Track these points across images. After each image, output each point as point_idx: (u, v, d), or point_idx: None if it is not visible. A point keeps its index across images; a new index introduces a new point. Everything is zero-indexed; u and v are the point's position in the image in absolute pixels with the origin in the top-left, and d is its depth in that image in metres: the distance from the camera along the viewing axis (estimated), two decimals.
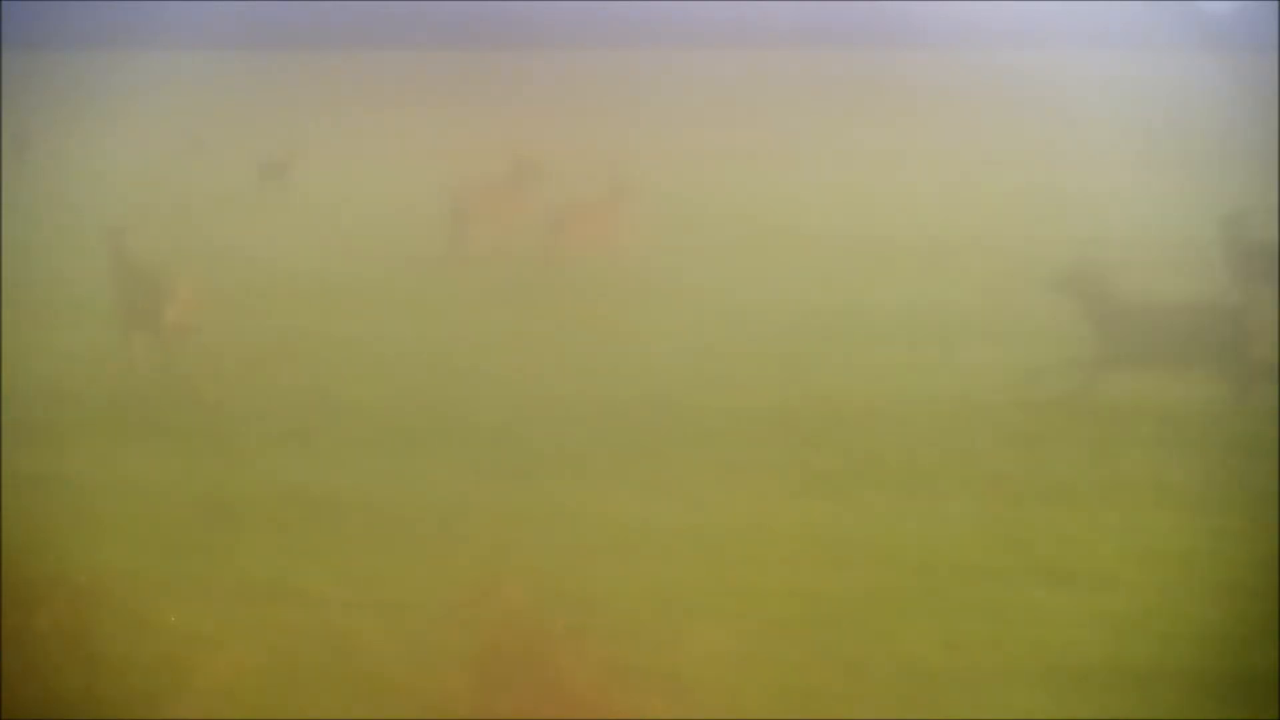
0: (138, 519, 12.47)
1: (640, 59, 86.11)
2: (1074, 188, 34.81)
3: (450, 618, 10.33)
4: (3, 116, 43.00)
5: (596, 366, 17.31)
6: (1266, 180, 34.08)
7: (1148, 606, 10.72)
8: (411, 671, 9.66)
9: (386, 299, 21.46)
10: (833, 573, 11.29)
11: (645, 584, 11.04)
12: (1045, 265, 23.22)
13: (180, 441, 14.59)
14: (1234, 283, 19.21)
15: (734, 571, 11.29)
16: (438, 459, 13.96)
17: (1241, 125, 48.54)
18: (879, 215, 30.96)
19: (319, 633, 10.27)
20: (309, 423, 15.18)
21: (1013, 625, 10.43)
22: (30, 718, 9.01)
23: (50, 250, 25.87)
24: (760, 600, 10.79)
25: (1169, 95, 60.75)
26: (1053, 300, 16.55)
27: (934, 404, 15.81)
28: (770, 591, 10.94)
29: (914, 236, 27.81)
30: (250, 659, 9.84)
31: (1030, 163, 40.84)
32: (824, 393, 16.24)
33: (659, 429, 14.89)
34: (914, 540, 11.93)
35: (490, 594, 10.40)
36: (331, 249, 25.93)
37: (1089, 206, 31.85)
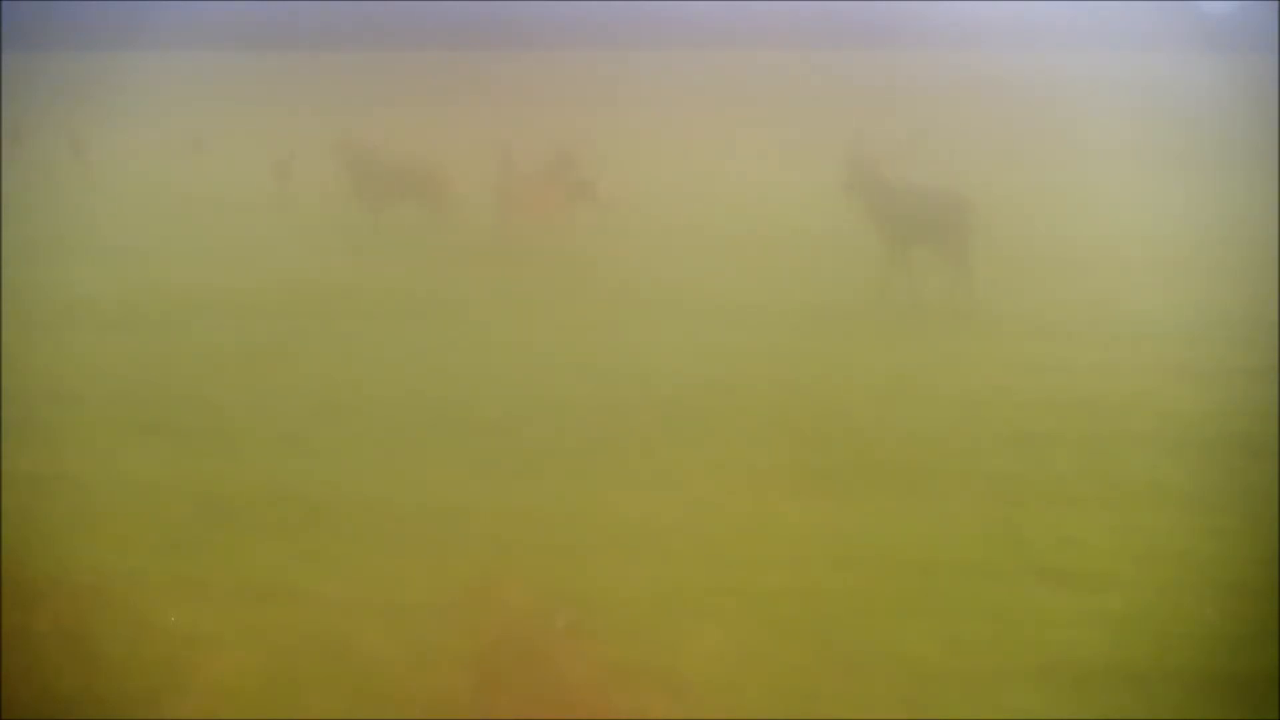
0: (138, 519, 12.47)
1: (637, 59, 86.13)
2: (1074, 187, 34.80)
3: (450, 618, 10.34)
4: (3, 117, 43.01)
5: (596, 366, 17.31)
6: (1266, 180, 34.09)
7: (1146, 606, 10.72)
8: (411, 671, 9.67)
9: (385, 299, 21.45)
10: (833, 573, 11.29)
11: (645, 584, 11.04)
12: (1046, 264, 23.25)
13: (180, 441, 14.59)
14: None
15: (734, 571, 11.30)
16: (438, 459, 13.96)
17: (1241, 125, 48.55)
18: None
19: (319, 633, 10.27)
20: (309, 423, 15.18)
21: (1013, 625, 10.44)
22: (30, 718, 9.02)
23: (50, 250, 25.87)
24: (760, 600, 10.79)
25: (1169, 95, 60.74)
26: (1053, 297, 16.54)
27: (934, 403, 15.81)
28: (770, 591, 10.94)
29: None
30: (250, 659, 9.85)
31: (1030, 162, 40.81)
32: (824, 392, 16.23)
33: (659, 429, 14.88)
34: (914, 540, 11.93)
35: (490, 594, 10.41)
36: (331, 249, 25.93)
37: (1089, 206, 31.85)
